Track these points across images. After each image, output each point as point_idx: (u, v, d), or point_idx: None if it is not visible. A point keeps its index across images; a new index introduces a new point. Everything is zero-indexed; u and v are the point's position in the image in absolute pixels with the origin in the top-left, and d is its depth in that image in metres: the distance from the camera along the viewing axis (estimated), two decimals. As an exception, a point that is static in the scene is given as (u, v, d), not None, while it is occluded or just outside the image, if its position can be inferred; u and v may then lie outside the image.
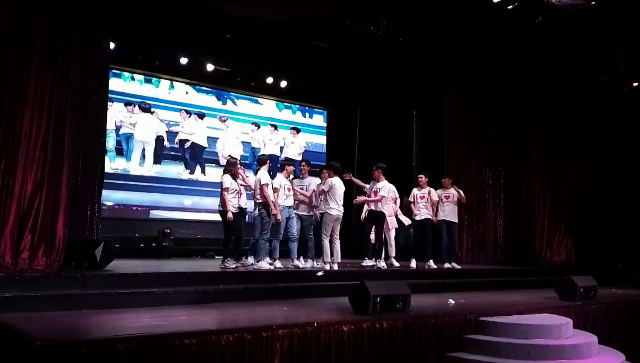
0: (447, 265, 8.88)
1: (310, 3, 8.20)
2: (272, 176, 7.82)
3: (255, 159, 9.41)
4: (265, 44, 9.88)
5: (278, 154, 12.13)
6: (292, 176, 8.23)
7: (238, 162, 7.79)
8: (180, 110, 11.07)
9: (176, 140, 10.98)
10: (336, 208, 7.77)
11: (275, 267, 7.40)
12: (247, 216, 8.49)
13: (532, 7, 9.04)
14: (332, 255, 7.77)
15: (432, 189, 8.98)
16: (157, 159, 10.74)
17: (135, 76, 10.59)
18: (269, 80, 11.50)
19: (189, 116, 11.15)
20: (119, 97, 10.33)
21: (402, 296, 5.37)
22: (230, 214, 7.24)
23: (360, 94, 12.64)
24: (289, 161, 8.61)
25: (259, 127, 12.09)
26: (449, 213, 9.02)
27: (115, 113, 10.23)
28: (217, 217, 7.72)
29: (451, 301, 6.54)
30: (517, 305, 6.54)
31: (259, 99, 12.16)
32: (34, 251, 6.00)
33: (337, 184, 7.85)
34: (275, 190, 7.57)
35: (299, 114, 12.86)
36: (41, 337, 3.62)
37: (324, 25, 9.34)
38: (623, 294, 8.23)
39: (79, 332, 4.23)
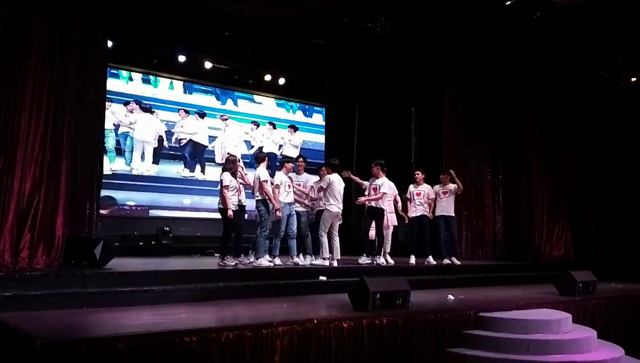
0: (446, 261, 8.88)
1: (307, 0, 8.19)
2: (271, 174, 7.82)
3: (254, 157, 9.42)
4: (263, 41, 9.86)
5: (276, 152, 12.12)
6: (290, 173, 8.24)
7: (237, 159, 7.79)
8: (179, 110, 11.05)
9: (173, 139, 10.94)
10: (336, 204, 7.78)
11: (275, 264, 7.41)
12: (247, 214, 8.48)
13: (530, 3, 9.05)
14: (331, 252, 7.78)
15: (429, 186, 8.95)
16: (157, 159, 10.72)
17: (134, 75, 10.55)
18: (268, 77, 11.47)
19: (187, 115, 11.14)
20: (119, 97, 10.30)
21: (402, 292, 5.39)
22: (230, 212, 7.23)
23: (359, 91, 12.61)
24: (288, 158, 8.61)
25: (258, 126, 12.09)
26: (447, 208, 9.01)
27: (115, 113, 10.21)
28: (216, 215, 7.72)
29: (451, 297, 6.53)
30: (516, 300, 6.54)
31: (258, 98, 12.13)
32: (33, 250, 6.01)
33: (336, 181, 7.85)
34: (276, 187, 7.57)
35: (299, 113, 12.83)
36: (42, 336, 3.62)
37: (322, 22, 9.31)
38: (622, 289, 8.24)
39: (80, 330, 4.23)
